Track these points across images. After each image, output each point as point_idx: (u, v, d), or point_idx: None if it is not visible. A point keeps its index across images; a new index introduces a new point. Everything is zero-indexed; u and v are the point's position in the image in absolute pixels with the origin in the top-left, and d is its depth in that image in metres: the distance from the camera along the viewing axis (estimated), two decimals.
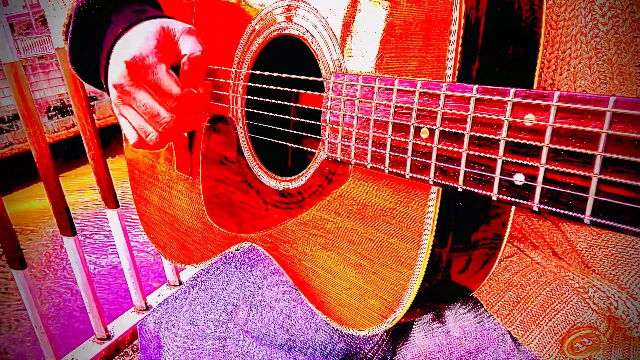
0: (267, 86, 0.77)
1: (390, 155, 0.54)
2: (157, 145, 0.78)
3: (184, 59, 0.74)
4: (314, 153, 0.69)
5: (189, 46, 0.75)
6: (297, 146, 0.80)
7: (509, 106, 0.43)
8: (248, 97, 0.81)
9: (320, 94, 0.65)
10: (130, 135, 0.78)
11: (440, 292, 0.60)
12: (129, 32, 0.77)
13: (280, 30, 0.74)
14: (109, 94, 0.78)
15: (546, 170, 0.40)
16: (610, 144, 0.36)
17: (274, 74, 0.75)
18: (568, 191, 0.39)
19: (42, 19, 21.54)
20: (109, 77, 0.76)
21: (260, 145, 0.83)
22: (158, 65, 0.72)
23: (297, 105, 0.77)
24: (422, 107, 0.50)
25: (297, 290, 0.76)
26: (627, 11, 0.56)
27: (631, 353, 0.67)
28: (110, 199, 1.91)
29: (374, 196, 0.60)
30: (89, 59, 0.83)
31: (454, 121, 0.47)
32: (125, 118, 0.77)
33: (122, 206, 1.95)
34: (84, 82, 0.89)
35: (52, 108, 20.15)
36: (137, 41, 0.74)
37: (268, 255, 0.80)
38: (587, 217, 0.38)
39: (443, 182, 0.49)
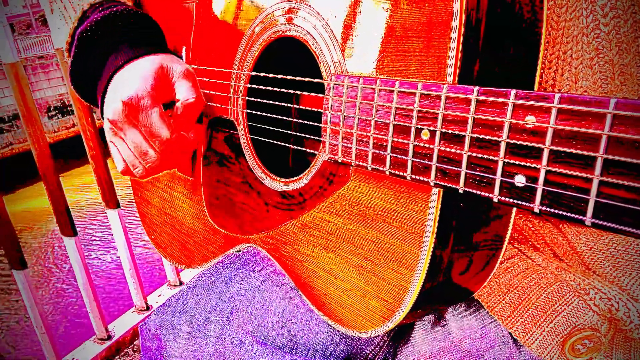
0: (268, 87, 0.77)
1: (391, 156, 0.54)
2: (142, 177, 0.81)
3: (178, 103, 0.77)
4: (315, 154, 0.69)
5: (183, 92, 0.78)
6: (298, 147, 0.80)
7: (509, 108, 0.43)
8: (249, 98, 0.81)
9: (320, 95, 0.65)
10: (118, 163, 0.81)
11: (441, 294, 0.60)
12: (128, 65, 0.79)
13: (281, 32, 0.74)
14: (103, 118, 0.81)
15: (547, 171, 0.40)
16: (611, 145, 0.36)
17: (275, 75, 0.75)
18: (569, 193, 0.39)
19: (42, 19, 21.55)
20: (105, 109, 0.78)
21: (261, 146, 0.83)
22: (152, 108, 0.75)
23: (298, 106, 0.77)
24: (422, 109, 0.50)
25: (298, 291, 0.76)
26: (628, 12, 0.56)
27: (632, 354, 0.67)
28: (111, 199, 1.91)
29: (374, 197, 0.60)
30: (87, 82, 0.86)
31: (455, 123, 0.47)
32: (116, 147, 0.80)
33: (122, 206, 1.95)
34: (82, 99, 0.92)
35: (52, 108, 20.16)
36: (134, 80, 0.76)
37: (269, 257, 0.80)
38: (588, 219, 0.38)
39: (444, 183, 0.49)
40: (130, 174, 0.82)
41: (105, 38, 0.82)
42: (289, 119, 0.78)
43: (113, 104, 0.75)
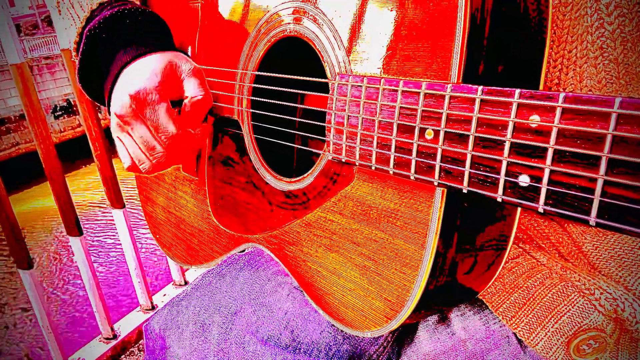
0: (273, 87, 0.77)
1: (394, 156, 0.54)
2: (147, 173, 0.81)
3: (186, 100, 0.77)
4: (319, 154, 0.69)
5: (192, 89, 0.78)
6: (302, 147, 0.80)
7: (514, 107, 0.42)
8: (253, 98, 0.81)
9: (325, 95, 0.65)
10: (124, 159, 0.81)
11: (445, 294, 0.60)
12: (137, 61, 0.79)
13: (286, 32, 0.74)
14: (110, 114, 0.81)
15: (551, 171, 0.40)
16: (615, 145, 0.36)
17: (279, 75, 0.75)
18: (573, 192, 0.39)
19: (48, 20, 21.65)
20: (112, 104, 0.78)
21: (265, 146, 0.83)
22: (159, 104, 0.75)
23: (302, 106, 0.77)
24: (426, 108, 0.50)
25: (301, 291, 0.76)
26: (633, 10, 0.56)
27: (638, 355, 0.66)
28: (116, 199, 1.92)
29: (378, 197, 0.60)
30: (96, 80, 0.86)
31: (459, 122, 0.47)
32: (122, 143, 0.80)
33: (128, 206, 1.96)
34: (89, 98, 0.92)
35: (58, 108, 20.25)
36: (142, 75, 0.76)
37: (273, 257, 0.80)
38: (592, 219, 0.38)
39: (448, 183, 0.49)
40: (136, 170, 0.82)
41: (113, 35, 0.82)
42: (294, 118, 0.78)
43: (121, 98, 0.75)
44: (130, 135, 0.78)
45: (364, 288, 0.63)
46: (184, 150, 0.79)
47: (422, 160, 0.51)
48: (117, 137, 0.80)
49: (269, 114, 0.80)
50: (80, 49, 0.84)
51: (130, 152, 0.80)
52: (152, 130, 0.76)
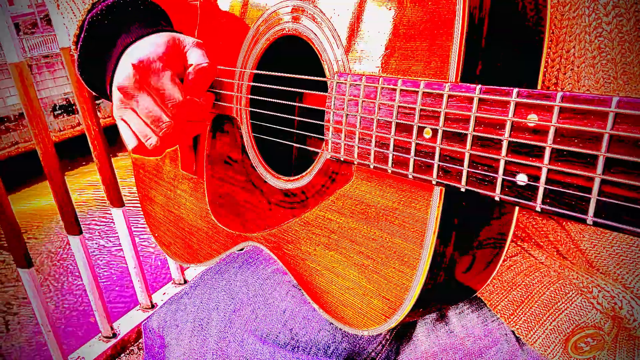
0: (271, 86, 0.77)
1: (393, 155, 0.54)
2: (155, 151, 0.78)
3: (190, 68, 0.75)
4: (318, 153, 0.69)
5: (196, 57, 0.76)
6: (301, 146, 0.80)
7: (511, 106, 0.43)
8: (252, 97, 0.81)
9: (323, 93, 0.65)
10: (129, 139, 0.78)
11: (444, 292, 0.60)
12: (139, 41, 0.78)
13: (284, 30, 0.74)
14: (111, 101, 0.79)
15: (549, 170, 0.40)
16: (612, 144, 0.36)
17: (278, 73, 0.75)
18: (570, 192, 0.39)
19: (47, 18, 21.64)
20: (114, 80, 0.76)
21: (264, 145, 0.83)
22: (163, 71, 0.73)
23: (301, 105, 0.77)
24: (425, 107, 0.50)
25: (300, 289, 0.76)
26: (631, 10, 0.56)
27: (636, 353, 0.67)
28: (116, 198, 1.92)
29: (377, 196, 0.60)
30: (97, 68, 0.85)
31: (457, 121, 0.47)
32: (126, 122, 0.78)
33: (127, 205, 1.96)
34: (91, 91, 0.90)
35: (57, 107, 20.25)
36: (146, 46, 0.75)
37: (271, 255, 0.81)
38: (589, 218, 0.38)
39: (446, 182, 0.49)
40: (142, 151, 0.79)
41: (116, 20, 0.81)
42: (292, 117, 0.78)
43: (124, 70, 0.74)
44: (134, 110, 0.76)
45: (362, 286, 0.63)
46: (189, 123, 0.78)
47: (421, 159, 0.51)
48: (120, 117, 0.78)
49: (267, 112, 0.80)
50: (81, 38, 0.83)
51: (135, 129, 0.77)
52: (158, 99, 0.74)
